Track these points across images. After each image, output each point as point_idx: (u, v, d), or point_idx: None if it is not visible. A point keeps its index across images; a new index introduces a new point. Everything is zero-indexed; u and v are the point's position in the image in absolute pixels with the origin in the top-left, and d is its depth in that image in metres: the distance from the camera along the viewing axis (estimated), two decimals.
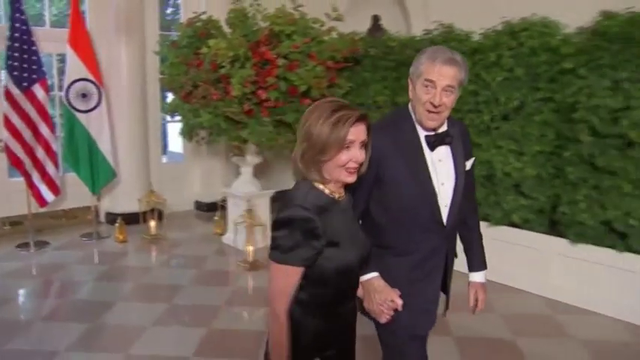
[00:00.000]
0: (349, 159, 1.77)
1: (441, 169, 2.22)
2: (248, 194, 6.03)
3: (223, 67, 5.19)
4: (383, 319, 2.18)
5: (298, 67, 5.27)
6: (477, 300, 2.49)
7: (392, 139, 2.14)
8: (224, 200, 6.55)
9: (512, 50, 4.78)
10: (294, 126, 5.55)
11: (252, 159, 6.11)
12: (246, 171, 6.19)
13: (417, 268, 2.24)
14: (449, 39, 5.30)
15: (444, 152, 2.24)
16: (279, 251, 1.76)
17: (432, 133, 2.20)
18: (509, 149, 4.85)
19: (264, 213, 6.18)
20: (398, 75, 5.74)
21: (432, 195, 2.19)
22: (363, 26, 7.15)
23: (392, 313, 2.17)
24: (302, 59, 5.32)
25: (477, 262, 2.50)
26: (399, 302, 2.14)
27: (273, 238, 1.78)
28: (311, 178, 1.83)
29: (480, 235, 2.52)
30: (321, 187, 1.83)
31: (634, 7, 4.25)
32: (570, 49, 4.50)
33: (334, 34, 5.80)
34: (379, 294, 2.16)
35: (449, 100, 2.11)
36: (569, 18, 4.69)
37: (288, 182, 7.49)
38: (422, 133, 2.20)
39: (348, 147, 1.76)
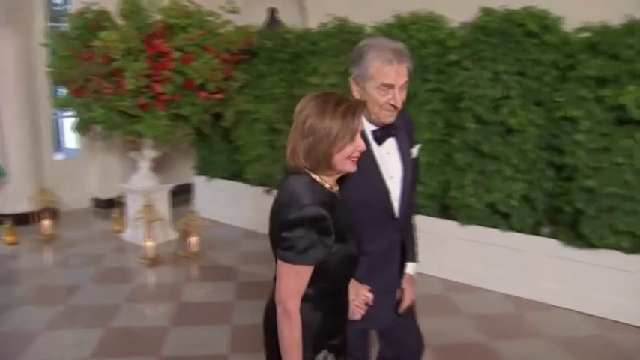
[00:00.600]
0: (355, 148, 1.80)
1: (389, 162, 2.20)
2: (146, 189, 5.91)
3: (116, 60, 5.04)
4: (357, 315, 2.13)
5: (194, 60, 5.21)
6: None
7: None
8: (122, 196, 6.36)
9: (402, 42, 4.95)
10: (191, 119, 5.49)
11: (149, 153, 5.97)
12: (144, 166, 6.05)
13: (375, 265, 2.20)
14: (343, 31, 5.44)
15: (390, 145, 2.22)
16: (293, 252, 1.75)
17: (379, 127, 2.16)
18: None
19: (164, 207, 6.08)
20: (294, 67, 5.82)
21: (384, 190, 2.17)
22: (260, 19, 7.17)
23: (365, 307, 2.13)
24: (197, 52, 5.27)
25: (409, 253, 2.40)
26: (370, 296, 2.12)
27: (286, 239, 1.76)
28: (317, 174, 1.83)
29: (412, 226, 2.46)
30: (320, 181, 1.84)
31: (508, 5, 4.56)
32: (456, 42, 4.76)
33: (230, 27, 5.77)
34: (351, 289, 2.08)
35: (404, 94, 2.09)
36: (454, 13, 4.95)
37: (187, 176, 7.41)
38: (368, 129, 2.15)
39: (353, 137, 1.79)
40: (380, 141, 2.18)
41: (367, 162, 2.08)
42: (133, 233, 5.99)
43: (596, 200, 4.18)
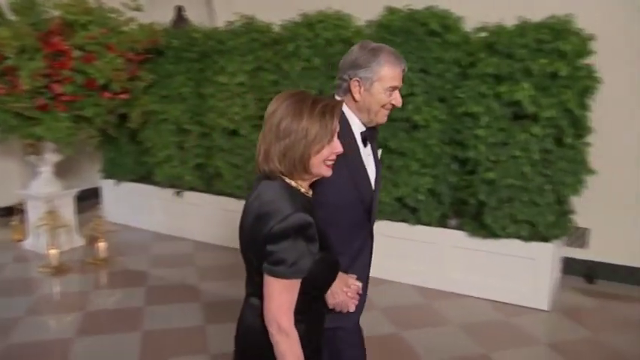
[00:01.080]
0: (332, 151, 1.74)
1: (368, 164, 2.26)
2: (48, 195, 5.61)
3: (9, 58, 4.75)
4: (352, 307, 2.14)
5: (96, 59, 5.00)
6: None
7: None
8: (22, 203, 6.01)
9: (309, 41, 4.99)
10: (95, 120, 5.27)
11: (50, 157, 5.67)
12: (46, 170, 5.74)
13: (349, 266, 2.22)
14: (250, 30, 5.40)
15: (369, 147, 2.29)
16: (284, 266, 1.64)
17: (367, 128, 2.22)
18: None
19: (69, 213, 5.79)
20: (202, 66, 5.72)
21: (370, 191, 2.24)
22: (167, 17, 6.99)
23: (358, 297, 2.14)
24: (100, 51, 5.06)
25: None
26: (359, 284, 2.14)
27: (273, 253, 1.65)
28: (292, 178, 1.75)
29: None
30: (295, 186, 1.76)
31: (412, 5, 4.70)
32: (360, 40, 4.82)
33: (134, 25, 5.59)
34: (339, 282, 2.07)
35: None
36: (360, 12, 5.04)
37: (94, 179, 7.11)
38: (357, 130, 2.20)
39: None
40: (365, 142, 2.24)
41: (355, 162, 2.16)
42: (34, 242, 5.68)
43: (497, 192, 4.38)
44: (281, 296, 1.68)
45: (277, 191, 1.72)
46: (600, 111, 4.48)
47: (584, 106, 4.31)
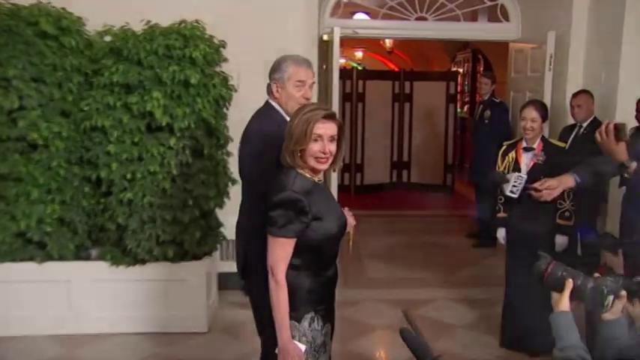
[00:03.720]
0: (318, 150, 2.15)
1: None
2: None
3: None
4: None
5: None
6: None
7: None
8: None
9: None
10: None
11: None
12: None
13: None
14: None
15: None
16: (275, 227, 2.13)
17: None
18: None
19: None
20: None
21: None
22: None
23: None
24: None
25: None
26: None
27: (270, 217, 2.13)
28: (295, 166, 2.19)
29: None
30: (302, 172, 2.20)
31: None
32: None
33: None
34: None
35: (311, 92, 2.71)
36: None
37: None
38: None
39: (316, 140, 2.14)
40: None
41: None
42: None
43: (137, 213, 3.94)
44: (274, 250, 2.15)
45: (284, 175, 2.20)
46: (238, 119, 4.37)
47: (220, 116, 4.17)
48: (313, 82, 2.71)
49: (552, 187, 3.14)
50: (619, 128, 2.77)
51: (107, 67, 3.97)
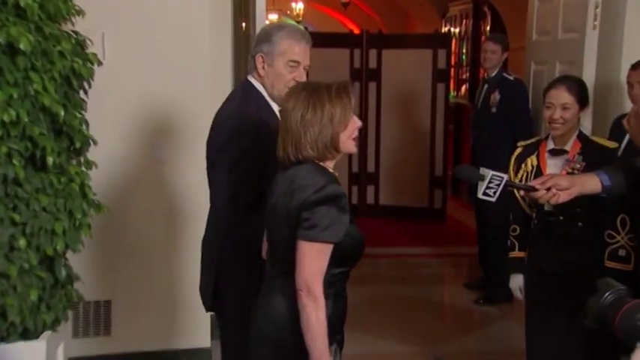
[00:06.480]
0: (354, 126, 1.97)
1: None
2: None
3: None
4: None
5: None
6: None
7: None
8: None
9: None
10: None
11: None
12: None
13: None
14: None
15: None
16: (317, 230, 1.84)
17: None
18: None
19: None
20: None
21: None
22: None
23: None
24: None
25: None
26: None
27: (308, 219, 1.85)
28: (322, 160, 1.95)
29: None
30: (323, 165, 1.97)
31: None
32: None
33: None
34: None
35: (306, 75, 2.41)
36: None
37: None
38: (276, 108, 2.31)
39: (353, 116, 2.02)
40: None
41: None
42: None
43: None
44: (313, 260, 1.87)
45: (311, 170, 1.96)
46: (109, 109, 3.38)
47: (74, 104, 2.97)
48: (309, 67, 2.39)
49: (561, 188, 2.23)
50: None
51: None
